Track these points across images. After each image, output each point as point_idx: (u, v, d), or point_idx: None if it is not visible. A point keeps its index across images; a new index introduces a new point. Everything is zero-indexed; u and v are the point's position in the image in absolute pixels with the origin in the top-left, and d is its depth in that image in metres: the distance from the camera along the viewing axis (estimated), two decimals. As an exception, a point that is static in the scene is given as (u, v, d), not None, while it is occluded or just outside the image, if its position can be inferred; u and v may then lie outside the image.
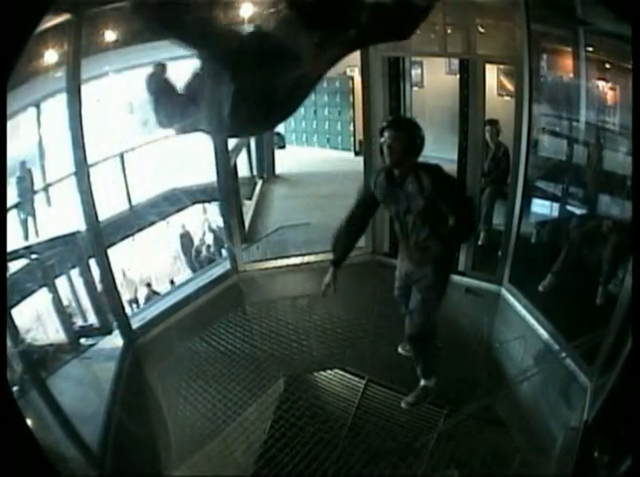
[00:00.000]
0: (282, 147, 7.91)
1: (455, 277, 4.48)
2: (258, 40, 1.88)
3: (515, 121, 3.88)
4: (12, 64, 1.49)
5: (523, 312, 3.94)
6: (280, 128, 7.90)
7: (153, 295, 6.56)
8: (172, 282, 6.79)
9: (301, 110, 7.91)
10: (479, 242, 4.67)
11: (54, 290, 3.73)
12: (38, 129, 4.95)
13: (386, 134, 2.92)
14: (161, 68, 2.24)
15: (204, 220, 7.73)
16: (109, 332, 3.92)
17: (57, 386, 3.07)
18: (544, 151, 4.44)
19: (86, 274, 3.92)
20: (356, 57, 4.58)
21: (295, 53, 1.76)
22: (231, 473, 2.76)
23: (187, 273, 7.16)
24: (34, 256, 3.59)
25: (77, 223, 3.75)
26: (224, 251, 5.90)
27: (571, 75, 4.25)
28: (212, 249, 7.50)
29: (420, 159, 2.94)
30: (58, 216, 4.81)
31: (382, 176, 3.06)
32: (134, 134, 7.29)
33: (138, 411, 3.38)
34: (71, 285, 4.17)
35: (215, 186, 4.50)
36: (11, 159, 4.05)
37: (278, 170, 6.92)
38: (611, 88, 3.97)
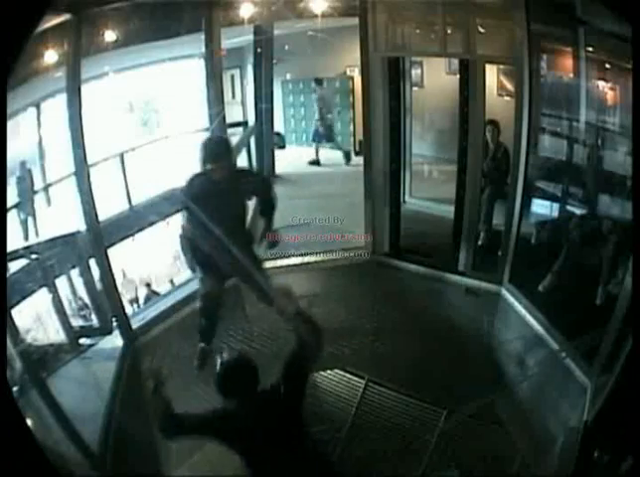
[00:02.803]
0: (282, 147, 7.91)
1: (455, 277, 4.50)
2: None
3: (515, 121, 3.88)
4: (12, 64, 1.49)
5: (523, 312, 3.94)
6: (280, 128, 7.90)
7: (153, 295, 6.56)
8: (172, 282, 6.78)
9: (301, 110, 7.92)
10: (479, 242, 4.67)
11: (54, 290, 3.72)
12: (38, 129, 4.95)
13: (213, 165, 3.24)
14: None
15: (204, 220, 7.71)
16: (109, 332, 3.92)
17: (57, 386, 3.07)
18: (544, 151, 4.44)
19: (86, 274, 3.91)
20: (356, 57, 4.58)
21: None
22: (230, 473, 2.76)
23: (187, 273, 7.15)
24: (34, 256, 3.59)
25: (77, 223, 3.74)
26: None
27: (571, 75, 4.25)
28: (212, 249, 7.48)
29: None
30: (58, 216, 4.80)
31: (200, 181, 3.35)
32: (134, 134, 7.29)
33: (138, 411, 3.38)
34: (71, 285, 4.16)
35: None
36: (11, 159, 4.04)
37: (278, 170, 6.92)
38: (611, 88, 3.97)
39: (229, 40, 5.41)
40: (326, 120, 7.43)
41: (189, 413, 2.54)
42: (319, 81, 7.49)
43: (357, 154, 7.40)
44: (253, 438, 2.45)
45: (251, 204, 3.78)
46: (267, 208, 3.71)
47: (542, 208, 4.47)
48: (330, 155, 7.66)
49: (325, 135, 7.42)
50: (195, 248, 3.52)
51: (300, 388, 2.59)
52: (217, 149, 3.34)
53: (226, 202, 3.34)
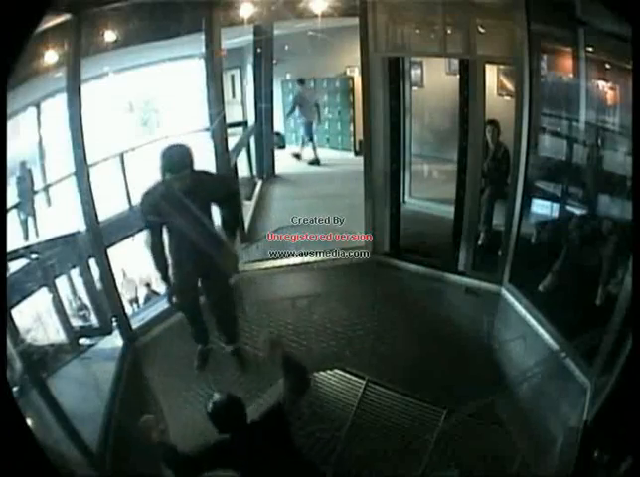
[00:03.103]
0: (282, 147, 7.92)
1: (455, 277, 4.50)
2: None
3: (515, 121, 3.87)
4: (12, 64, 1.49)
5: (523, 312, 3.94)
6: (280, 128, 7.90)
7: (153, 295, 6.56)
8: (172, 282, 6.77)
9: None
10: (479, 242, 4.67)
11: (54, 290, 3.72)
12: (38, 129, 4.95)
13: (172, 174, 3.20)
14: None
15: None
16: (109, 332, 3.92)
17: (57, 386, 3.07)
18: (544, 151, 4.44)
19: (86, 274, 3.91)
20: (356, 57, 4.59)
21: None
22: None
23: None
24: (34, 256, 3.59)
25: (77, 223, 3.75)
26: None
27: (571, 75, 4.25)
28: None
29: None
30: (58, 216, 4.80)
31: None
32: (134, 134, 7.30)
33: (138, 412, 3.38)
34: (71, 285, 4.17)
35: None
36: (11, 159, 4.05)
37: (278, 170, 6.93)
38: (611, 88, 3.97)
39: (229, 40, 5.41)
40: (306, 118, 7.44)
41: (194, 452, 2.76)
42: (301, 81, 7.50)
43: (357, 154, 7.42)
44: (251, 462, 2.70)
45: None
46: (229, 219, 3.55)
47: (542, 208, 4.47)
48: (330, 155, 7.67)
49: (307, 133, 7.45)
50: (162, 258, 3.53)
51: (290, 416, 2.79)
52: (176, 158, 3.22)
53: (188, 211, 3.28)
